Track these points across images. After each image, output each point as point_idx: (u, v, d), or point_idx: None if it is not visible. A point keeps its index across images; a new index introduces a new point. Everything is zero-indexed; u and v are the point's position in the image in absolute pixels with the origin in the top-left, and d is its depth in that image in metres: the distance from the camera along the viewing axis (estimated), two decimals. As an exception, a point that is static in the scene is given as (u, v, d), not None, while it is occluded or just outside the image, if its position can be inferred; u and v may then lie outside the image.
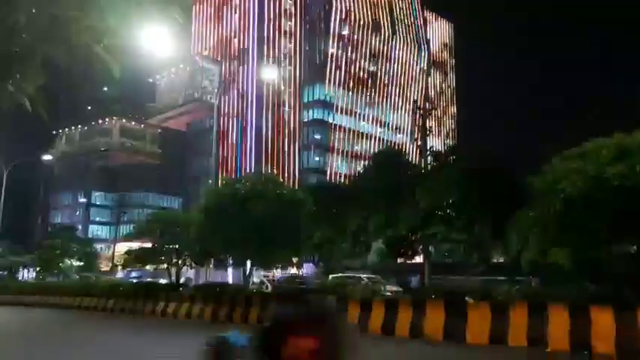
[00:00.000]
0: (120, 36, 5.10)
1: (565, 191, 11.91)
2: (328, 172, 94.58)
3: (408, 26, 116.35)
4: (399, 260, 28.17)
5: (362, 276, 26.34)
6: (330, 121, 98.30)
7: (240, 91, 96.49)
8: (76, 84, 76.45)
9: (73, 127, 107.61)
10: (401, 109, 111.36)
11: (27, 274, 42.28)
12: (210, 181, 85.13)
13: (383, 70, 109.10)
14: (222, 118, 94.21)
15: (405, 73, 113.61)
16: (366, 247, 29.64)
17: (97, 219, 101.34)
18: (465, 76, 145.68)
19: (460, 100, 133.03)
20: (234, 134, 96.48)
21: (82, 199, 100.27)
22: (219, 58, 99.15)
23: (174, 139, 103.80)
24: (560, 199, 12.55)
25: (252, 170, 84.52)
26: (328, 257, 31.88)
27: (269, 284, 29.27)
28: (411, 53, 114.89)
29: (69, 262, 37.83)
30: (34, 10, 4.55)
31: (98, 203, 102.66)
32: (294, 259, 26.06)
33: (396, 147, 73.95)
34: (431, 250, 26.60)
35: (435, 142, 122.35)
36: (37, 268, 39.21)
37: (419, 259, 28.50)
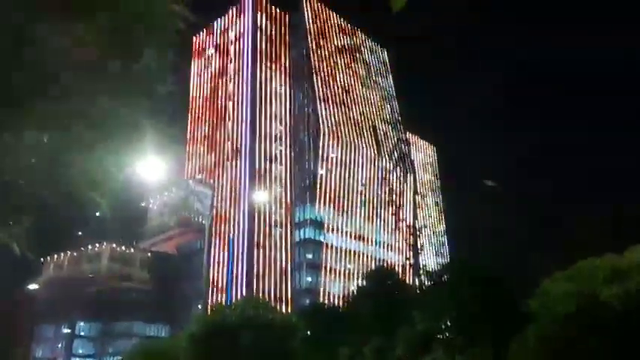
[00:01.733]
0: (118, 180, 5.29)
1: (561, 312, 11.75)
2: (321, 292, 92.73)
3: (393, 147, 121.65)
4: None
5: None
6: (322, 240, 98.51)
7: (232, 213, 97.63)
8: (65, 221, 76.98)
9: (62, 254, 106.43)
10: (390, 227, 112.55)
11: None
12: (199, 307, 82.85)
13: (371, 189, 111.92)
14: (213, 240, 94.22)
15: (392, 192, 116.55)
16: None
17: (80, 351, 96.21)
18: (450, 196, 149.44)
19: (449, 217, 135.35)
20: (225, 256, 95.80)
21: (66, 330, 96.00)
22: (212, 181, 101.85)
23: (164, 262, 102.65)
24: (560, 319, 12.34)
25: (244, 294, 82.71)
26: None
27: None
28: (396, 175, 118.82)
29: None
30: (33, 160, 4.72)
31: (82, 334, 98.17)
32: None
33: (389, 265, 73.60)
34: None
35: (428, 260, 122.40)
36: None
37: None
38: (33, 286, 69.07)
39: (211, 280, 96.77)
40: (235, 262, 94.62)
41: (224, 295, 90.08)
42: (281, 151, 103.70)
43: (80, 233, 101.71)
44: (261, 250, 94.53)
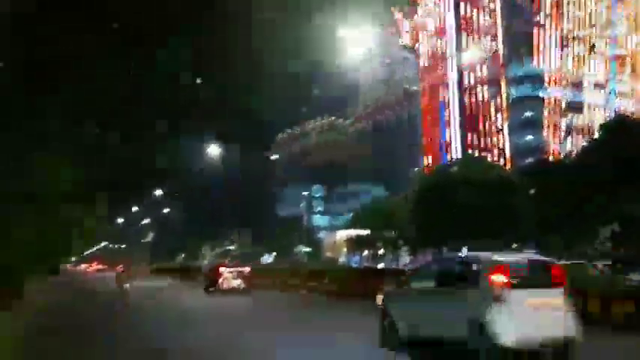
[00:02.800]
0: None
1: None
2: (544, 151, 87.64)
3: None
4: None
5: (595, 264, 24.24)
6: (541, 95, 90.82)
7: (443, 74, 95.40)
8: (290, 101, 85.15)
9: (290, 130, 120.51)
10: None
11: (267, 260, 48.81)
12: (415, 169, 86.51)
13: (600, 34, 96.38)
14: (424, 104, 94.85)
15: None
16: (592, 232, 27.25)
17: (318, 209, 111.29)
18: None
19: None
20: (439, 118, 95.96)
21: (304, 192, 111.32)
22: (416, 46, 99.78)
23: (377, 130, 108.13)
24: None
25: (459, 155, 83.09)
26: (548, 244, 30.10)
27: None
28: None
29: (298, 248, 42.61)
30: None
31: (317, 195, 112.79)
32: (514, 245, 25.39)
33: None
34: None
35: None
36: (274, 254, 44.91)
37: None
38: (274, 157, 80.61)
39: (425, 144, 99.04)
40: (448, 123, 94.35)
41: (439, 157, 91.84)
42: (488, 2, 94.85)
43: (304, 109, 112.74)
44: (474, 110, 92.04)
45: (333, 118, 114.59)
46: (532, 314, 6.63)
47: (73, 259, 63.64)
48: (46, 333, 11.61)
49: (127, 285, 28.75)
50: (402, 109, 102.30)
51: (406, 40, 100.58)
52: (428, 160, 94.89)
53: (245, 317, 16.33)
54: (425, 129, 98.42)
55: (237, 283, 23.76)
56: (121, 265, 38.31)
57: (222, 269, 24.84)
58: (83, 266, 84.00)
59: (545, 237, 27.51)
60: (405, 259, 33.54)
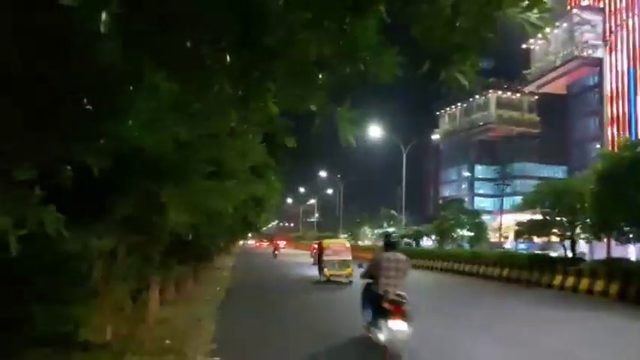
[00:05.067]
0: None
1: None
2: None
3: None
4: None
5: None
6: None
7: (632, 39, 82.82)
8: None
9: (453, 106, 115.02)
10: None
11: (426, 243, 47.74)
12: (598, 146, 77.17)
13: None
14: (609, 74, 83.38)
15: None
16: None
17: (481, 191, 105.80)
18: None
19: None
20: (626, 89, 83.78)
21: (466, 173, 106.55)
22: (601, 4, 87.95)
23: (552, 104, 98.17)
24: None
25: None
26: None
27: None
28: None
29: (460, 232, 40.68)
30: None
31: (480, 176, 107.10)
32: None
33: None
34: None
35: None
36: (434, 237, 43.61)
37: None
38: (435, 136, 78.23)
39: (609, 117, 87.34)
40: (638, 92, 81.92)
41: (627, 130, 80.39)
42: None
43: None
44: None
45: (500, 92, 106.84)
46: None
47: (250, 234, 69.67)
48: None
49: (277, 252, 48.18)
50: (582, 78, 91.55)
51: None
52: (615, 134, 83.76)
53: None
54: (609, 100, 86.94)
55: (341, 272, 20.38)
56: (274, 240, 62.38)
57: (326, 253, 21.15)
58: (250, 242, 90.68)
59: None
60: (582, 247, 29.93)
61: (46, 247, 4.54)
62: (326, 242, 22.71)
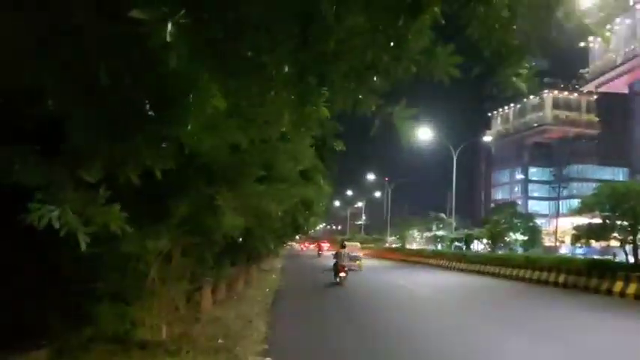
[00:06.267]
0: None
1: None
2: None
3: None
4: None
5: None
6: None
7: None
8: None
9: (506, 107, 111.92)
10: None
11: (478, 246, 46.57)
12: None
13: None
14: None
15: None
16: None
17: (535, 194, 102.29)
18: None
19: None
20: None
21: (519, 176, 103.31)
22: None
23: (613, 103, 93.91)
24: None
25: None
26: None
27: None
28: None
29: (514, 236, 39.47)
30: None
31: (535, 179, 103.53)
32: None
33: None
34: None
35: None
36: (486, 241, 42.45)
37: None
38: (487, 138, 76.53)
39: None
40: None
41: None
42: None
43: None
44: None
45: (556, 92, 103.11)
46: None
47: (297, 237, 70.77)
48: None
49: (321, 252, 56.35)
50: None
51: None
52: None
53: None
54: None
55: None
56: (319, 243, 67.77)
57: (343, 252, 22.81)
58: (295, 245, 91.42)
59: None
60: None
61: (110, 247, 4.76)
62: (345, 244, 26.96)
